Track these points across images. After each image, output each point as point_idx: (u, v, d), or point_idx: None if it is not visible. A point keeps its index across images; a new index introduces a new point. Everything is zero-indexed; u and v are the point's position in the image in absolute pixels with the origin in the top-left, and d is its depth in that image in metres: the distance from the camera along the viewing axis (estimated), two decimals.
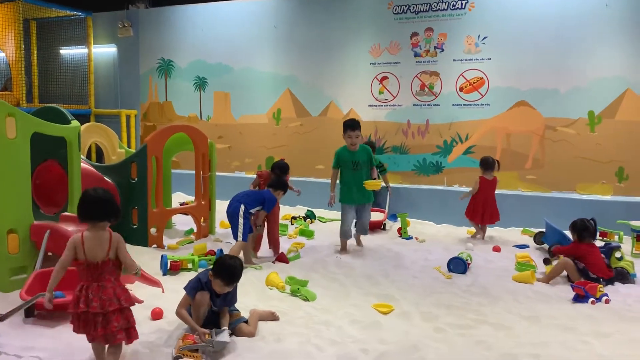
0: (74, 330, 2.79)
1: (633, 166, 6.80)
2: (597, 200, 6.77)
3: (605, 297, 4.14)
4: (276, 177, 5.36)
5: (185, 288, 3.36)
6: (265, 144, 8.79)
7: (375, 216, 6.73)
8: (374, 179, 5.86)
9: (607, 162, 6.91)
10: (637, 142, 6.76)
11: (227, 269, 3.26)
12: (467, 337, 3.47)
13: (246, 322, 3.44)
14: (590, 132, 6.97)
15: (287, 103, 8.64)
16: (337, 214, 7.55)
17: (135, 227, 5.51)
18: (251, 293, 4.19)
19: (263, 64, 8.77)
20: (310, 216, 7.27)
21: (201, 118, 9.31)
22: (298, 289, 4.21)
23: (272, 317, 3.66)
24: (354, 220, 5.82)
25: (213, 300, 3.32)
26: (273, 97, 8.72)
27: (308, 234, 6.34)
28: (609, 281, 4.59)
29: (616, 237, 5.97)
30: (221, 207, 6.57)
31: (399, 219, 6.54)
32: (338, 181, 5.79)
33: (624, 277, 4.68)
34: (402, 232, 6.43)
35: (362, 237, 6.00)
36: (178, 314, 3.31)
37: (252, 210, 4.98)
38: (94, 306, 2.69)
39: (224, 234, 6.23)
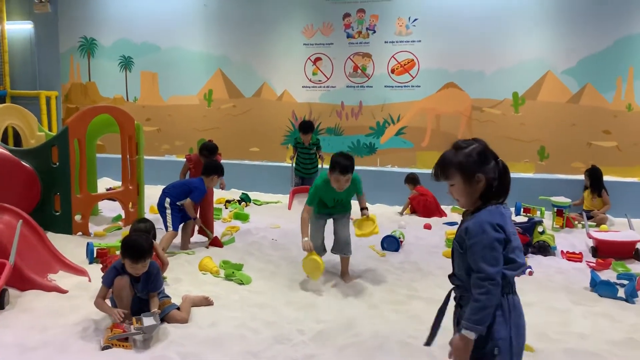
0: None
1: (553, 145, 7.17)
2: (520, 178, 7.07)
3: (529, 270, 4.35)
4: (208, 162, 5.11)
5: (102, 278, 3.24)
6: (196, 126, 8.55)
7: None
8: (365, 212, 4.29)
9: (530, 142, 7.25)
10: (557, 122, 7.13)
11: (130, 246, 3.13)
12: (401, 312, 3.55)
13: (178, 308, 3.35)
14: (514, 112, 7.26)
15: (218, 84, 8.42)
16: (274, 197, 7.53)
17: (57, 214, 5.22)
18: (184, 279, 4.08)
19: (193, 43, 8.48)
20: (245, 199, 7.16)
21: (127, 99, 8.91)
22: (233, 272, 4.14)
23: (206, 302, 3.58)
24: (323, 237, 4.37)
25: (134, 286, 3.20)
26: (204, 78, 8.47)
27: (243, 217, 6.24)
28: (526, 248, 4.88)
29: (538, 212, 6.27)
30: (150, 192, 6.34)
31: None
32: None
33: (546, 250, 4.96)
34: None
35: (350, 264, 4.36)
36: (95, 303, 3.18)
37: (179, 203, 4.85)
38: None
39: (154, 219, 5.97)
